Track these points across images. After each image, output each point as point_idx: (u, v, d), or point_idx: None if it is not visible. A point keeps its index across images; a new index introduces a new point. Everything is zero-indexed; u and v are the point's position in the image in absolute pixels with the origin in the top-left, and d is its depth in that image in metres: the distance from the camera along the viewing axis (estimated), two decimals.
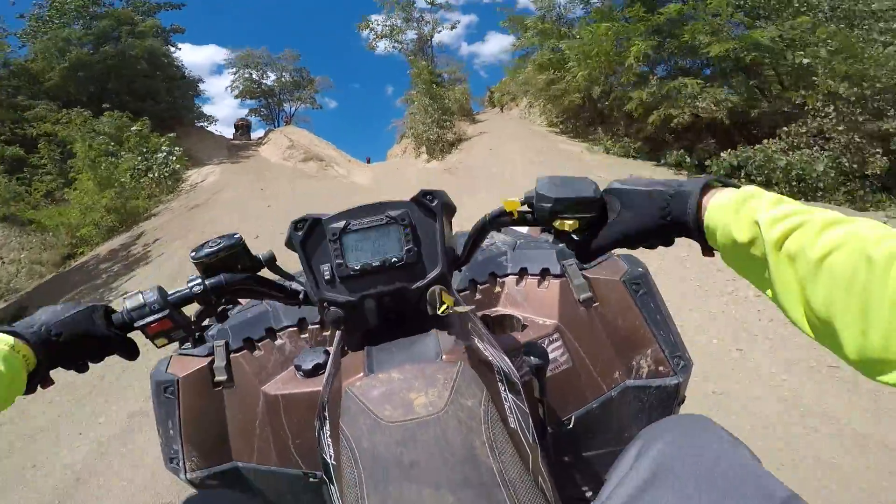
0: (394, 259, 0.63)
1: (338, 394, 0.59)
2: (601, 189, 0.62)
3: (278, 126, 22.63)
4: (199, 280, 0.65)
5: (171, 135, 11.87)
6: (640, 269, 0.89)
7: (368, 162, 17.57)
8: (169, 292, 0.65)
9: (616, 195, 0.59)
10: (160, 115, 14.95)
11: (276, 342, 0.94)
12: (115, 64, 14.10)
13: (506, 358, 0.72)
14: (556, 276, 0.94)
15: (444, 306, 0.61)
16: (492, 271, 1.01)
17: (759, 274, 0.46)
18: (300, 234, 0.64)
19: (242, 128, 20.86)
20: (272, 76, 25.55)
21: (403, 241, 0.63)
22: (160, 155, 11.05)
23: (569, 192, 0.60)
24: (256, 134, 20.82)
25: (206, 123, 19.70)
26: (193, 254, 0.65)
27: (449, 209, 0.67)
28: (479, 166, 9.90)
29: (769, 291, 0.45)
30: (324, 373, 0.86)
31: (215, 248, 0.64)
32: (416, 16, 18.65)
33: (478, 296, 1.00)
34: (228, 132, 20.74)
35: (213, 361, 0.88)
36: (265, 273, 0.71)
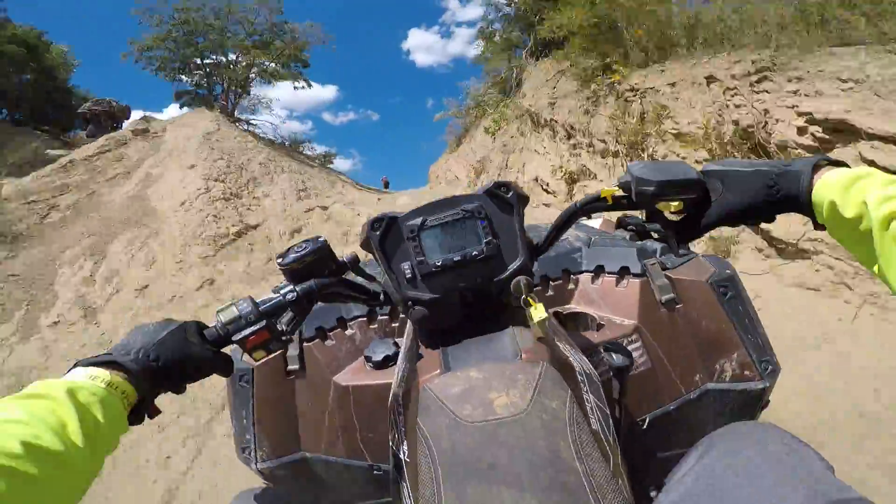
0: (474, 252, 0.62)
1: (414, 390, 0.58)
2: (699, 170, 0.60)
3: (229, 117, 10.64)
4: (291, 287, 0.63)
5: None
6: (728, 271, 0.85)
7: (386, 187, 12.26)
8: (260, 301, 0.62)
9: (717, 176, 0.59)
10: None
11: (346, 332, 0.93)
12: None
13: (584, 357, 0.69)
14: (636, 276, 0.90)
15: (530, 307, 0.59)
16: (565, 268, 0.97)
17: (864, 249, 0.47)
18: (378, 233, 0.63)
19: (95, 119, 9.78)
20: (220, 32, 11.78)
21: (482, 234, 0.62)
22: None
23: (669, 175, 0.58)
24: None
25: None
26: (280, 260, 0.64)
27: (523, 200, 0.64)
28: None
29: (875, 268, 0.46)
30: (393, 364, 0.85)
31: (302, 252, 0.63)
32: None
33: (550, 292, 0.96)
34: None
35: (286, 350, 0.88)
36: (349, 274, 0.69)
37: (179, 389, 0.57)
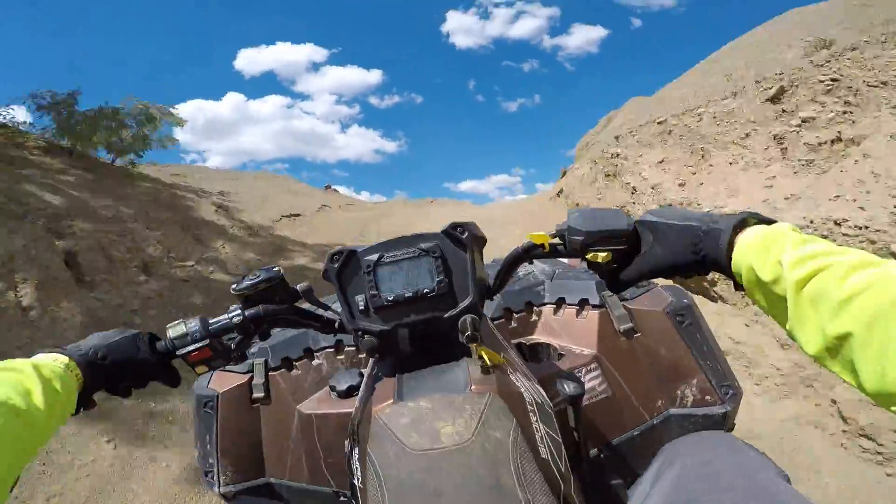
0: (425, 290, 0.64)
1: (368, 419, 0.60)
2: (634, 220, 0.61)
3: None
4: (239, 311, 0.67)
5: None
6: (685, 301, 0.88)
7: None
8: (211, 321, 0.66)
9: (649, 228, 0.59)
10: None
11: (313, 362, 0.96)
12: None
13: (539, 387, 0.71)
14: (595, 307, 0.93)
15: (478, 351, 0.61)
16: (528, 300, 1.00)
17: (781, 311, 0.45)
18: (336, 265, 0.66)
19: None
20: None
21: (435, 273, 0.64)
22: None
23: (600, 225, 0.60)
24: None
25: None
26: (234, 286, 0.67)
27: (478, 241, 0.67)
28: None
29: (788, 326, 0.45)
30: (357, 394, 0.86)
31: (255, 280, 0.67)
32: None
33: (513, 324, 0.99)
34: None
35: (252, 378, 0.91)
36: (303, 304, 0.72)
37: (124, 392, 0.63)
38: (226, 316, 0.66)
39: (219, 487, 0.87)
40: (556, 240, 0.64)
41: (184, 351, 0.64)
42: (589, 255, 0.61)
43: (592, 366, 0.87)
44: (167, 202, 6.79)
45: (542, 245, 0.65)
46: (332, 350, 0.96)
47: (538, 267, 1.11)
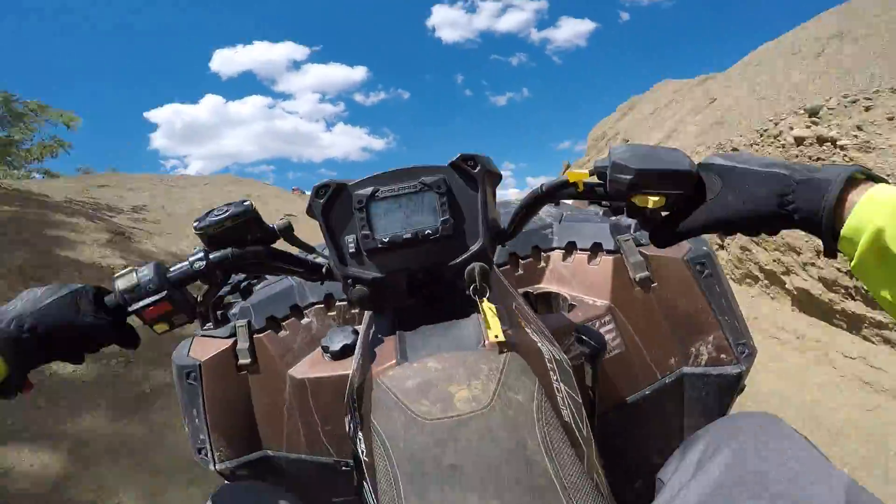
0: (427, 231, 0.56)
1: (368, 383, 0.54)
2: (696, 164, 0.53)
3: None
4: (200, 255, 0.57)
5: None
6: (704, 248, 0.83)
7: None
8: (170, 269, 0.57)
9: (718, 172, 0.50)
10: None
11: (301, 321, 0.87)
12: None
13: (555, 343, 0.66)
14: (609, 252, 0.86)
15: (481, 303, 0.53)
16: (535, 244, 0.94)
17: None
18: (322, 200, 0.57)
19: None
20: None
21: (439, 212, 0.56)
22: None
23: (654, 164, 0.51)
24: None
25: None
26: (196, 223, 0.57)
27: (493, 177, 0.59)
28: None
29: None
30: (353, 354, 0.79)
31: (221, 216, 0.57)
32: None
33: (519, 271, 0.93)
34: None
35: (235, 343, 0.83)
36: (283, 246, 0.63)
37: (73, 359, 0.53)
38: (186, 262, 0.56)
39: (214, 465, 0.80)
40: (594, 179, 0.55)
41: (137, 306, 0.53)
42: (636, 199, 0.52)
43: (606, 318, 0.81)
44: (21, 236, 4.58)
45: (575, 185, 0.57)
46: (321, 306, 0.87)
47: (544, 209, 1.01)
